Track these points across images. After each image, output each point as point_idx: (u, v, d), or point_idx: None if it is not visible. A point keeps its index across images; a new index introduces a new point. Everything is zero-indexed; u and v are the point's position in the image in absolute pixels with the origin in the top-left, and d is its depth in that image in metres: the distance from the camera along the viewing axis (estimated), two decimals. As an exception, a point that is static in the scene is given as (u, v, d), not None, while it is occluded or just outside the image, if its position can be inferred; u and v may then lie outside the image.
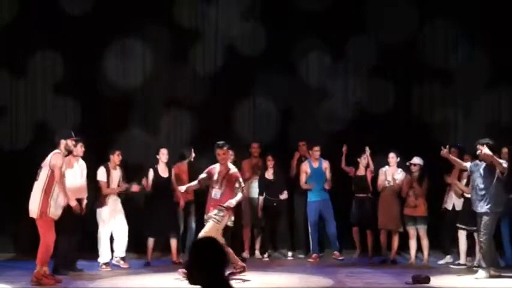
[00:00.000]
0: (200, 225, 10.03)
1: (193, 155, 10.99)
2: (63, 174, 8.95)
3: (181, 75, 12.19)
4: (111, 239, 10.22)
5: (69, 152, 9.20)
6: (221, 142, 9.20)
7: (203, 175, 9.35)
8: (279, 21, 12.13)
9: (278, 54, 12.01)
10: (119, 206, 10.26)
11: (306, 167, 11.32)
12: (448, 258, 10.63)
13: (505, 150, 10.30)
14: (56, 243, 8.98)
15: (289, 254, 11.38)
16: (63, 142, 8.98)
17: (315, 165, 11.31)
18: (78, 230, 9.54)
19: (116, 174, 10.25)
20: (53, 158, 8.80)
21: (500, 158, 9.80)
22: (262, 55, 11.99)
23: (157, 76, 12.12)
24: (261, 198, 11.31)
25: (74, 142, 9.14)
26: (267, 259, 11.23)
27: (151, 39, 12.02)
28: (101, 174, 10.19)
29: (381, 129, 12.06)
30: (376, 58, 12.11)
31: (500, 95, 12.29)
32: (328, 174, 11.27)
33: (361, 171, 11.09)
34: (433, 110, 12.31)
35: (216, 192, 9.09)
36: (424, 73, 12.34)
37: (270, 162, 11.28)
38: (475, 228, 9.76)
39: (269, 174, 11.32)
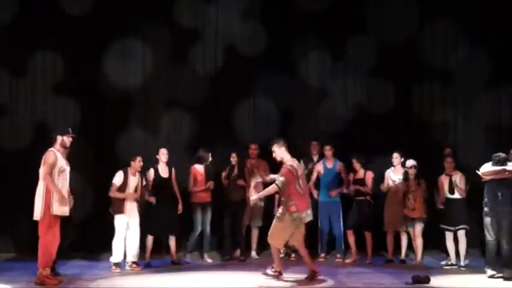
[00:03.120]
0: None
1: (210, 158, 11.01)
2: (62, 170, 8.84)
3: (181, 75, 12.19)
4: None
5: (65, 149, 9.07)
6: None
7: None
8: (279, 21, 12.13)
9: (278, 54, 12.02)
10: (135, 211, 10.16)
11: (320, 167, 11.37)
12: (448, 260, 10.65)
13: None
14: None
15: (293, 254, 11.34)
16: (59, 138, 8.90)
17: (329, 165, 11.37)
18: (66, 233, 9.40)
19: (134, 180, 10.16)
20: (44, 156, 8.74)
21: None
22: (262, 55, 12.00)
23: (157, 76, 12.12)
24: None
25: (70, 139, 9.05)
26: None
27: (151, 39, 12.02)
28: (117, 177, 10.10)
29: (380, 129, 12.07)
30: (376, 58, 12.11)
31: (500, 95, 12.28)
32: (344, 176, 11.29)
33: (359, 174, 11.07)
34: (433, 110, 12.31)
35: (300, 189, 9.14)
36: (424, 73, 12.35)
37: None
38: (459, 227, 10.22)
39: None
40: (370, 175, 11.02)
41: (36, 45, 11.73)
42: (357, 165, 11.02)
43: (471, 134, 12.16)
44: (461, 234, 10.27)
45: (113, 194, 10.04)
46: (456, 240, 10.35)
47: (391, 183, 10.80)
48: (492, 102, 12.33)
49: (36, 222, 8.74)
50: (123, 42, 11.89)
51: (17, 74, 11.79)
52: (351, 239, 11.03)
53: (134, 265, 10.14)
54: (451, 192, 10.35)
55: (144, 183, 10.36)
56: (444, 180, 10.43)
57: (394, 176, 10.81)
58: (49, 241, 8.70)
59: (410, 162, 10.61)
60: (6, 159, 11.45)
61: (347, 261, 10.97)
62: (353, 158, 11.05)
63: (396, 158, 10.82)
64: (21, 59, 11.75)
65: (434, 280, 8.93)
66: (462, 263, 10.25)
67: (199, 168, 11.01)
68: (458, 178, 10.35)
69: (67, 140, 8.95)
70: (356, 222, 10.95)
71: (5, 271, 9.72)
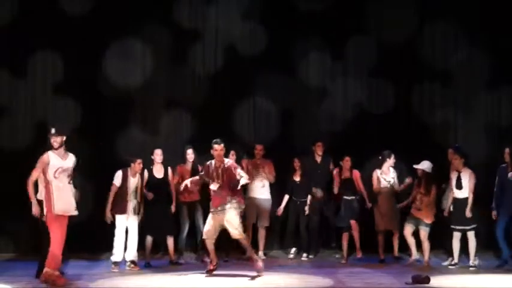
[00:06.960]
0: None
1: (192, 156, 10.90)
2: (61, 171, 8.65)
3: (181, 75, 12.20)
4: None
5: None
6: (218, 139, 9.43)
7: (201, 172, 9.82)
8: (279, 21, 12.14)
9: (278, 54, 12.03)
10: (132, 211, 10.18)
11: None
12: (451, 260, 10.62)
13: (507, 150, 10.24)
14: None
15: (304, 255, 11.35)
16: (48, 139, 8.64)
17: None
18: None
19: (134, 181, 10.13)
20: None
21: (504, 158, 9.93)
22: (262, 55, 12.01)
23: (157, 76, 12.12)
24: (286, 197, 11.39)
25: (58, 139, 8.57)
26: (291, 256, 11.38)
27: (151, 39, 12.03)
28: (117, 178, 10.09)
29: (381, 129, 12.08)
30: (376, 58, 12.12)
31: (500, 95, 12.29)
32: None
33: (346, 174, 11.06)
34: (433, 110, 12.32)
35: (215, 186, 9.46)
36: (424, 73, 12.35)
37: (297, 165, 11.31)
38: (468, 227, 10.12)
39: (297, 176, 11.35)
40: (357, 174, 11.06)
41: (36, 45, 11.74)
42: (349, 163, 11.02)
43: (471, 134, 12.16)
44: (470, 234, 10.18)
45: (111, 194, 10.07)
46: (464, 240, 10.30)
47: (384, 183, 10.78)
48: (492, 102, 12.34)
49: (36, 221, 8.73)
50: (123, 42, 11.89)
51: (17, 74, 11.79)
52: (345, 242, 11.02)
53: (133, 265, 10.14)
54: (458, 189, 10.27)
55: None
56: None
57: (385, 176, 10.77)
58: (55, 241, 8.54)
59: (422, 166, 10.48)
60: (6, 159, 11.46)
61: (342, 261, 10.97)
62: (348, 156, 11.01)
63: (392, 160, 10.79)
64: (21, 59, 11.76)
65: (434, 280, 8.93)
66: (471, 263, 10.18)
67: (184, 167, 10.97)
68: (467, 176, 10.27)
69: (52, 141, 8.60)
70: (349, 222, 10.97)
71: (5, 271, 9.73)
